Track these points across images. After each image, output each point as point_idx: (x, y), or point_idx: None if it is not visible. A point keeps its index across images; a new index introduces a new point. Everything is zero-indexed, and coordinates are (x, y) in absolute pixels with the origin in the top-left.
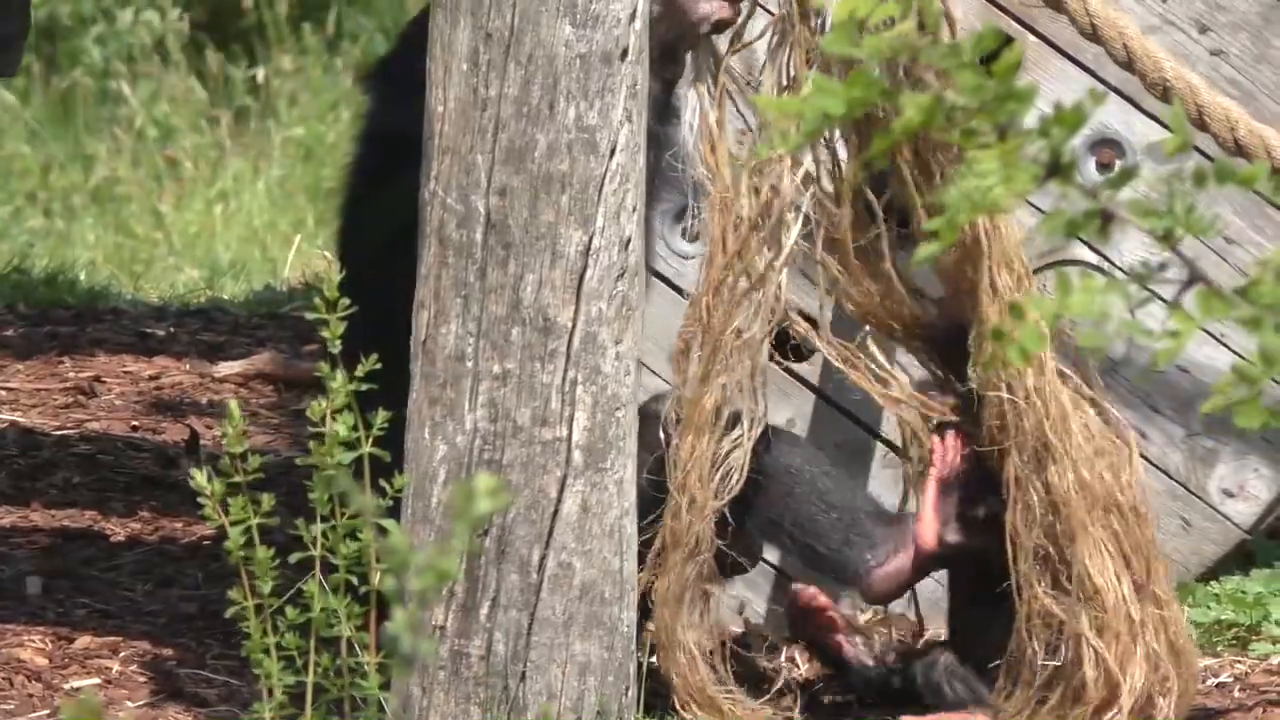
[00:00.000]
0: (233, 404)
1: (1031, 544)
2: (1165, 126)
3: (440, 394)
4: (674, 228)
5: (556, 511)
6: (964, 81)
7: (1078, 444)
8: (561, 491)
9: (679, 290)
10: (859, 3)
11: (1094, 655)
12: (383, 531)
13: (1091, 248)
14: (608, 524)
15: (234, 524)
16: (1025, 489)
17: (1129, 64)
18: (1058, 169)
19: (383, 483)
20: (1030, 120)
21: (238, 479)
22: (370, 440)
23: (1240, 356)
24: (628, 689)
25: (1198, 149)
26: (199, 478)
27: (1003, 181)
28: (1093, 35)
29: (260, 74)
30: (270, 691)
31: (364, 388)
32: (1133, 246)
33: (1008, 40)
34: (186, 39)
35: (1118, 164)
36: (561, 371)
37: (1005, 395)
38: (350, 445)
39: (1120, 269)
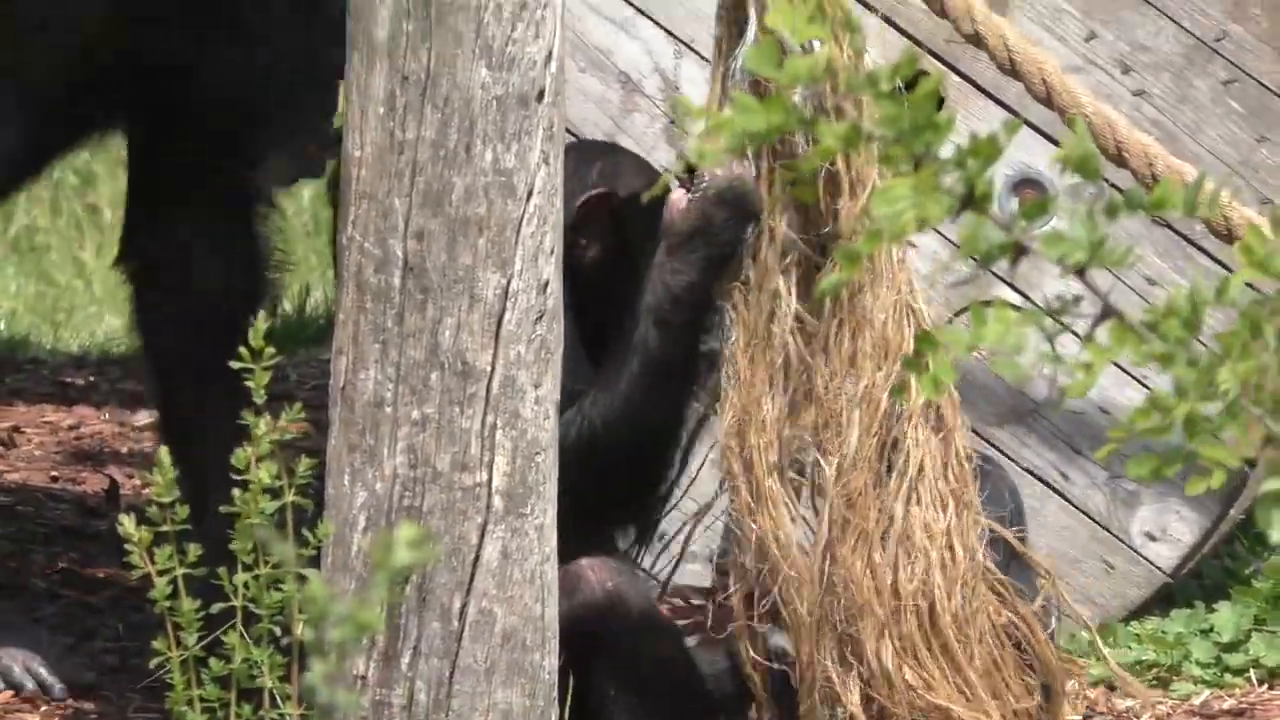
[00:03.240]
0: (163, 452)
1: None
2: None
3: (359, 440)
4: None
5: (477, 558)
6: (881, 110)
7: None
8: (482, 538)
9: None
10: (785, 18)
11: None
12: (305, 581)
13: (1014, 288)
14: (529, 570)
15: (160, 573)
16: None
17: (1048, 99)
18: (972, 200)
19: (305, 532)
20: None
21: (166, 528)
22: (294, 489)
23: None
24: None
25: (1116, 187)
26: (127, 524)
27: (915, 210)
28: (1011, 71)
29: None
30: None
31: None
32: (1055, 286)
33: (924, 73)
34: None
35: None
36: (481, 416)
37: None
38: (274, 493)
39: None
